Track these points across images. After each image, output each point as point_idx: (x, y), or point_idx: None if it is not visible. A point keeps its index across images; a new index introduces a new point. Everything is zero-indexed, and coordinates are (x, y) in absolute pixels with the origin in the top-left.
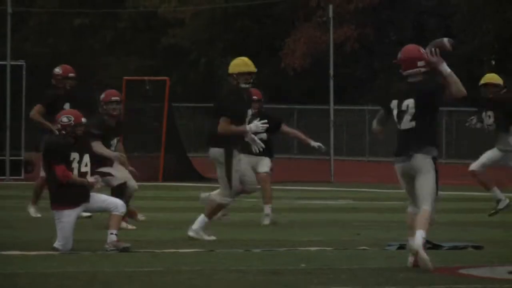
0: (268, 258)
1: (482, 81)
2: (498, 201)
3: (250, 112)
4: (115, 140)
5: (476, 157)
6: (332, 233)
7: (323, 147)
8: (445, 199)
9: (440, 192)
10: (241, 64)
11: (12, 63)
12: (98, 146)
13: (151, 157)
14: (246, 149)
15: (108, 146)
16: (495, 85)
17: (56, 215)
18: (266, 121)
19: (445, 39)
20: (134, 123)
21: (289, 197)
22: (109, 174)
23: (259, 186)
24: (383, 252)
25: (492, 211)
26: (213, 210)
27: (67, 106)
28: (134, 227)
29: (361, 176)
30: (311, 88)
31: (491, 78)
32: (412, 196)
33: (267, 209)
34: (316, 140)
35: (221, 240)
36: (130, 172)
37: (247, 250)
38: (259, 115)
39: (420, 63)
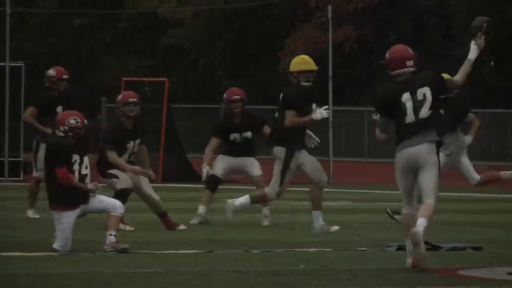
0: (268, 259)
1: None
2: None
3: (314, 106)
4: (131, 143)
5: (476, 157)
6: (332, 234)
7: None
8: (444, 200)
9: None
10: (301, 62)
11: (11, 64)
12: (113, 157)
13: (150, 158)
14: (229, 152)
15: (124, 149)
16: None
17: (56, 216)
18: (327, 106)
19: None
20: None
21: (287, 198)
22: (115, 176)
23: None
24: (383, 253)
25: None
26: (258, 198)
27: (59, 108)
28: (132, 228)
29: (360, 177)
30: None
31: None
32: (409, 195)
33: (266, 211)
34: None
35: (220, 241)
36: (149, 176)
37: (246, 251)
38: (242, 114)
39: (409, 63)
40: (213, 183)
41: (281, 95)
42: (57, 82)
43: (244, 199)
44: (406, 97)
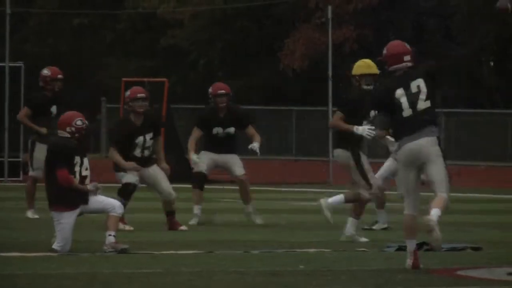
0: (267, 260)
1: (359, 71)
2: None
3: (372, 113)
4: (141, 138)
5: (476, 158)
6: (331, 234)
7: (256, 151)
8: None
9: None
10: (363, 66)
11: (10, 64)
12: (112, 153)
13: None
14: (211, 147)
15: (134, 145)
16: (373, 75)
17: (56, 217)
18: (374, 128)
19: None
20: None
21: (288, 199)
22: (124, 171)
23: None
24: (382, 254)
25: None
26: (359, 209)
27: (54, 108)
28: (131, 228)
29: None
30: (310, 89)
31: (369, 66)
32: (410, 194)
33: (249, 208)
34: (316, 141)
35: (220, 241)
36: (164, 170)
37: (246, 252)
38: (227, 109)
39: (406, 58)
40: (199, 180)
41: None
42: (51, 82)
43: (350, 223)
44: (399, 93)
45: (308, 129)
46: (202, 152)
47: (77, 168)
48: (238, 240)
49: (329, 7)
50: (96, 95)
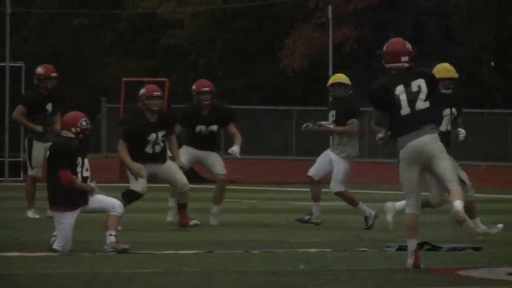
0: (268, 259)
1: (330, 81)
2: (366, 218)
3: (447, 111)
4: (153, 135)
5: (476, 158)
6: (332, 234)
7: (236, 155)
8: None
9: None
10: (442, 69)
11: (11, 64)
12: (120, 148)
13: None
14: (193, 144)
15: (146, 141)
16: (344, 85)
17: (56, 217)
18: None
19: None
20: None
21: (288, 198)
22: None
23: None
24: (382, 253)
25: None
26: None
27: (49, 106)
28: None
29: (360, 177)
30: (310, 89)
31: (339, 78)
32: (413, 192)
33: (216, 209)
34: (316, 142)
35: (220, 241)
36: (180, 167)
37: (246, 251)
38: (211, 107)
39: (403, 58)
40: None
41: None
42: (45, 80)
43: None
44: (399, 89)
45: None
46: (184, 147)
47: (78, 169)
48: (238, 240)
49: (329, 7)
50: (96, 95)
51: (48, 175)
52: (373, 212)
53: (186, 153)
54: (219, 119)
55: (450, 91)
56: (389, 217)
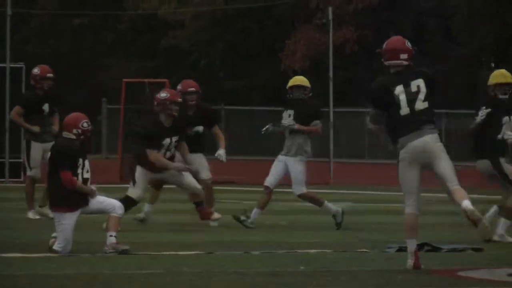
0: (268, 260)
1: (290, 83)
2: (333, 216)
3: (506, 119)
4: (167, 140)
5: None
6: (332, 235)
7: (222, 159)
8: (444, 201)
9: None
10: (499, 75)
11: (11, 65)
12: (155, 156)
13: None
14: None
15: (160, 146)
16: (303, 87)
17: (57, 217)
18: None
19: None
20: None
21: (288, 199)
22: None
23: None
24: (383, 254)
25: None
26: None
27: (46, 107)
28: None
29: (361, 178)
30: (311, 89)
31: (299, 80)
32: (412, 193)
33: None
34: (317, 142)
35: (220, 242)
36: (190, 170)
37: (246, 252)
38: (196, 107)
39: (403, 56)
40: (156, 183)
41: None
42: (41, 80)
43: (502, 223)
44: (399, 89)
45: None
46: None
47: (79, 171)
48: (238, 241)
49: (330, 9)
50: (96, 96)
51: (49, 176)
52: (339, 209)
53: None
54: (205, 120)
55: (506, 96)
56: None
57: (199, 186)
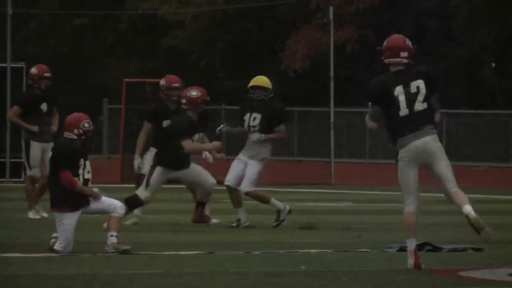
0: (268, 260)
1: (251, 83)
2: (278, 211)
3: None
4: (197, 136)
5: (477, 158)
6: (332, 235)
7: (210, 159)
8: (444, 201)
9: None
10: None
11: (12, 65)
12: (190, 145)
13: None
14: (162, 141)
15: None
16: (264, 88)
17: (58, 217)
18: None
19: None
20: (134, 125)
21: (289, 199)
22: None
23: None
24: (384, 254)
25: (275, 223)
26: None
27: (44, 106)
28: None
29: (362, 178)
30: (312, 89)
31: (260, 80)
32: (411, 192)
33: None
34: (316, 142)
35: (221, 242)
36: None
37: (247, 252)
38: (178, 103)
39: (403, 54)
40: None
41: None
42: (38, 80)
43: None
44: (398, 90)
45: (309, 129)
46: (151, 149)
47: (80, 171)
48: (238, 241)
49: (331, 8)
50: (97, 96)
51: (51, 176)
52: (287, 207)
53: (151, 157)
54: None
55: None
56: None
57: (215, 185)
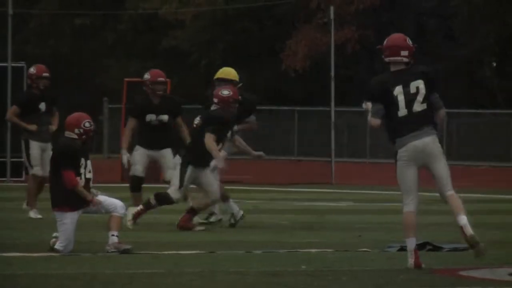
0: (269, 260)
1: (217, 75)
2: (232, 213)
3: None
4: (230, 133)
5: (477, 158)
6: (333, 235)
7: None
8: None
9: None
10: None
11: (13, 64)
12: (210, 139)
13: None
14: (145, 143)
15: (225, 137)
16: (229, 81)
17: (59, 217)
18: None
19: None
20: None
21: (289, 199)
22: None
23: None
24: (384, 254)
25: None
26: None
27: (42, 106)
28: None
29: (362, 178)
30: (312, 89)
31: (226, 73)
32: (410, 191)
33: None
34: (318, 142)
35: (221, 242)
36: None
37: (247, 252)
38: (162, 97)
39: (403, 53)
40: (136, 185)
41: None
42: (36, 79)
43: None
44: (398, 90)
45: (310, 129)
46: (136, 148)
47: (82, 170)
48: (239, 241)
49: (331, 8)
50: (97, 96)
51: (51, 176)
52: (241, 212)
53: (139, 158)
54: (170, 109)
55: None
56: None
57: (218, 199)
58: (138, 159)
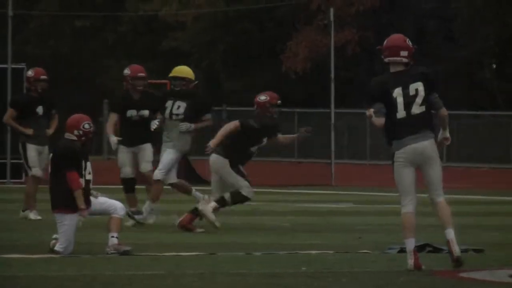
0: (269, 261)
1: (171, 74)
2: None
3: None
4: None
5: (477, 160)
6: (333, 236)
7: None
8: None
9: None
10: None
11: (13, 66)
12: (224, 131)
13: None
14: (126, 139)
15: (261, 142)
16: (183, 79)
17: (59, 218)
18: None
19: None
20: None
21: (290, 201)
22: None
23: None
24: (384, 255)
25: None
26: None
27: (39, 109)
28: None
29: (362, 179)
30: (312, 91)
31: (179, 71)
32: (408, 192)
33: (150, 205)
34: (317, 143)
35: (222, 243)
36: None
37: (248, 254)
38: (143, 93)
39: (403, 53)
40: (129, 186)
41: None
42: (34, 82)
43: None
44: (397, 92)
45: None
46: (120, 148)
47: (82, 172)
48: (239, 242)
49: (331, 10)
50: (97, 97)
51: (52, 178)
52: (206, 197)
53: (126, 159)
54: (151, 105)
55: None
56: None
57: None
58: (123, 160)
